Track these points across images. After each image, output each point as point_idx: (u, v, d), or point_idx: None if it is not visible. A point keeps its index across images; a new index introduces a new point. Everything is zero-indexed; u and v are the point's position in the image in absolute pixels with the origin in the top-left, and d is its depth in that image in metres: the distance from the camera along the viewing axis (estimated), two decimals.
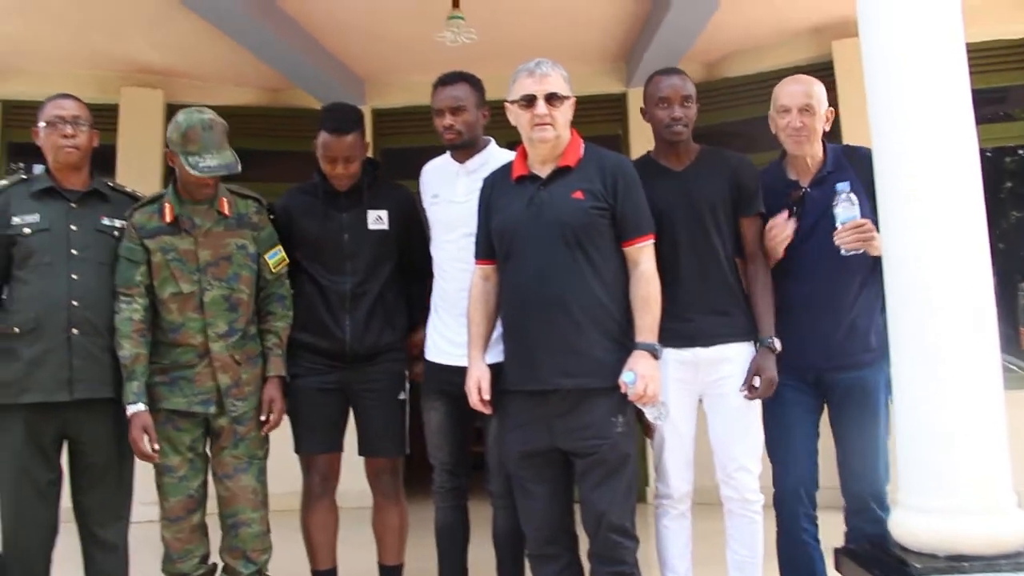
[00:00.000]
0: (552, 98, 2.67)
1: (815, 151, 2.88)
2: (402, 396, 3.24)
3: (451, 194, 3.08)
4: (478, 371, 2.74)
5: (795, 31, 5.35)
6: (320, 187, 3.20)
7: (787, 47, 5.46)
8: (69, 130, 2.94)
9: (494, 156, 3.10)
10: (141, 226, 2.98)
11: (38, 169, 3.17)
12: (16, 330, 2.85)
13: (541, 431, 2.62)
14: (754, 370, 2.74)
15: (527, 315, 2.64)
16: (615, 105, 5.92)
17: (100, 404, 2.90)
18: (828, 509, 2.94)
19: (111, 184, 3.12)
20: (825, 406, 2.90)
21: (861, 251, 2.69)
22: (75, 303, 2.87)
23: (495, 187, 2.81)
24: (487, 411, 2.74)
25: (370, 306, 3.15)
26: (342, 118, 3.13)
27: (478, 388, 2.71)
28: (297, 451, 3.21)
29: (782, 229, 2.83)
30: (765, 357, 2.75)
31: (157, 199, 3.03)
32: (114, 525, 2.98)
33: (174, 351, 2.97)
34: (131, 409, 2.86)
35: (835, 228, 2.71)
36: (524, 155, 2.78)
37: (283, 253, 3.13)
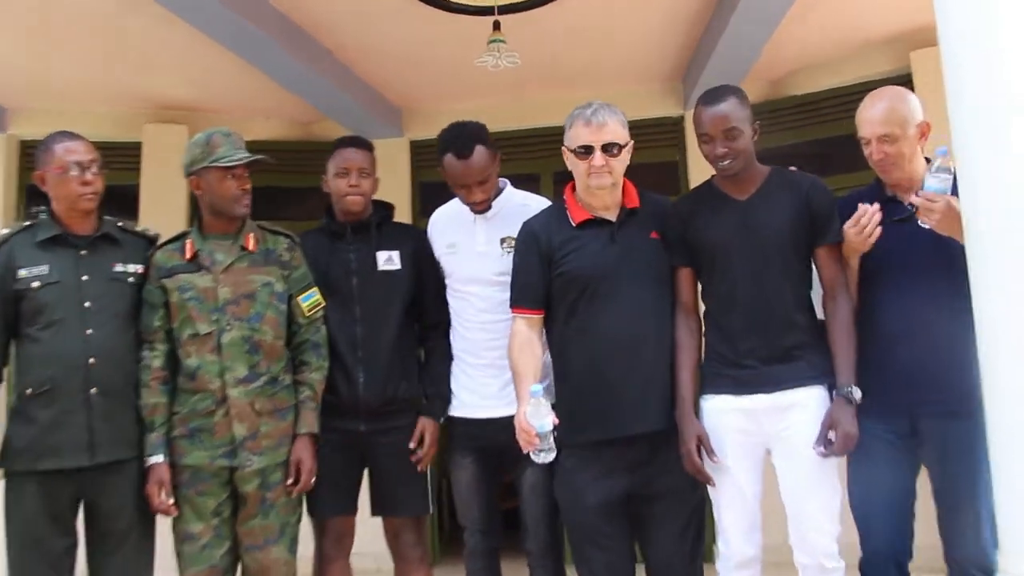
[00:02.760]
0: (609, 148, 2.82)
1: (912, 170, 2.77)
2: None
3: (471, 243, 3.18)
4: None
5: (868, 42, 5.30)
6: (327, 227, 3.27)
7: (859, 60, 5.41)
8: (89, 176, 2.96)
9: (511, 200, 3.23)
10: (160, 266, 3.03)
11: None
12: (29, 392, 2.86)
13: (622, 479, 2.78)
14: (829, 423, 2.65)
15: (619, 359, 2.79)
16: (671, 129, 5.92)
17: (122, 466, 2.91)
18: (922, 572, 2.85)
19: (120, 225, 3.14)
20: (922, 456, 2.76)
21: (931, 228, 2.57)
22: (92, 360, 2.88)
23: (551, 233, 2.91)
24: (531, 436, 2.70)
25: (385, 354, 3.16)
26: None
27: (532, 430, 2.69)
28: (310, 514, 3.21)
29: (871, 216, 2.69)
30: (842, 409, 2.64)
31: (180, 237, 3.10)
32: None
33: (192, 398, 2.98)
34: (149, 461, 2.90)
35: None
36: (574, 198, 2.93)
37: (319, 296, 3.14)
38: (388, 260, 3.23)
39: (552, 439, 2.70)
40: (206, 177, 3.03)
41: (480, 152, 3.11)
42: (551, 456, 2.72)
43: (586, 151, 2.83)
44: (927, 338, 2.66)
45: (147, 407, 2.93)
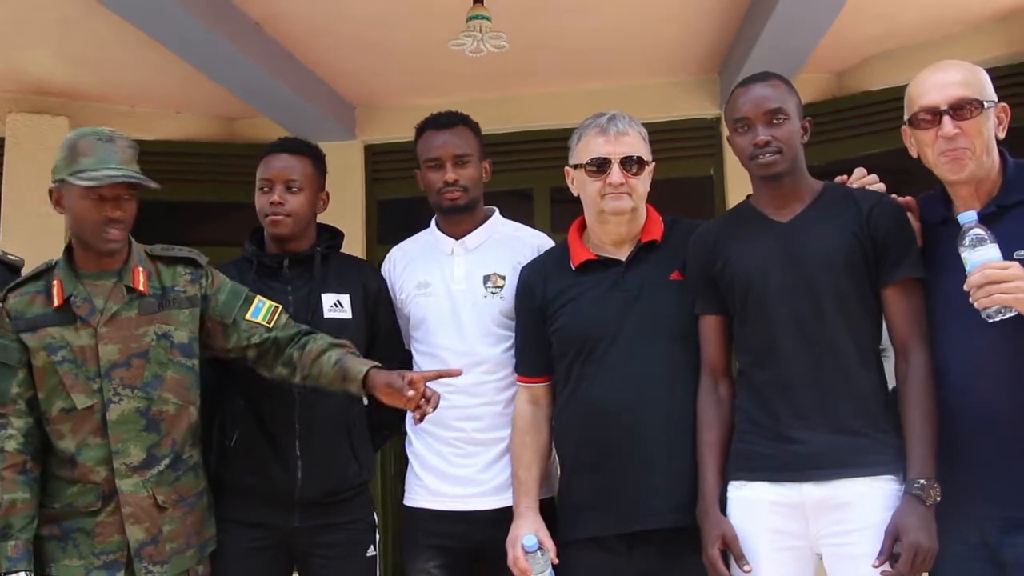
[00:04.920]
0: (629, 162, 2.87)
1: (986, 170, 2.64)
2: (371, 552, 3.22)
3: (446, 280, 3.22)
4: (530, 525, 2.91)
5: (968, 23, 5.32)
6: (255, 259, 3.25)
7: (958, 45, 5.38)
8: None
9: (498, 230, 3.30)
10: (18, 314, 2.92)
11: None
12: None
13: None
14: (892, 532, 2.56)
15: (617, 435, 2.83)
16: (705, 134, 5.96)
17: None
18: None
19: None
20: None
21: (1012, 313, 2.40)
22: None
23: (547, 280, 3.00)
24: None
25: (329, 429, 3.15)
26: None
27: (521, 545, 2.85)
28: None
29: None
30: (910, 511, 2.53)
31: (42, 274, 2.98)
32: None
33: (68, 490, 2.91)
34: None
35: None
36: (580, 235, 3.01)
37: (270, 301, 3.05)
38: (335, 306, 3.23)
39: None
40: (67, 194, 2.91)
41: (463, 130, 3.26)
42: None
43: (601, 165, 2.88)
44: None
45: (2, 506, 2.83)
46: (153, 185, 2.87)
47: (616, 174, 2.87)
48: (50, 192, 2.94)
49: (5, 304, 2.92)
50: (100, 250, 2.91)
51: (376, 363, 2.92)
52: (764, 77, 2.85)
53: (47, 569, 2.87)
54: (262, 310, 3.03)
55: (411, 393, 2.75)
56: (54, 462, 2.91)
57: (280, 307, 3.06)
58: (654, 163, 2.98)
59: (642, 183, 2.93)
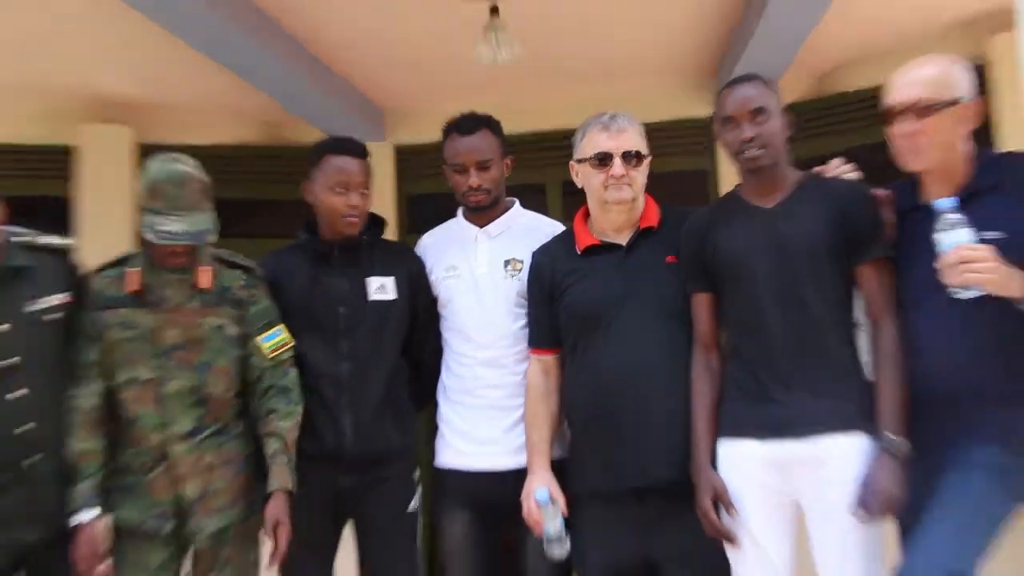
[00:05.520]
0: (629, 156, 2.92)
1: (951, 161, 2.63)
2: (413, 507, 3.27)
3: (471, 264, 3.24)
4: (542, 480, 2.97)
5: (936, 28, 5.27)
6: (309, 246, 3.27)
7: (925, 48, 5.30)
8: None
9: (518, 220, 3.33)
10: (98, 294, 3.02)
11: None
12: None
13: (629, 540, 2.86)
14: (866, 481, 2.57)
15: (619, 402, 2.87)
16: (699, 132, 5.91)
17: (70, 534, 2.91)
18: None
19: (25, 241, 3.00)
20: None
21: (979, 292, 2.41)
22: (17, 432, 2.86)
23: (554, 263, 3.05)
24: (540, 528, 2.92)
25: (375, 398, 3.18)
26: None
27: (534, 498, 2.93)
28: None
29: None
30: (882, 464, 2.56)
31: (120, 262, 3.08)
32: None
33: (128, 452, 3.01)
34: (77, 518, 2.88)
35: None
36: (585, 222, 3.04)
37: (285, 334, 3.14)
38: (381, 288, 3.25)
39: (565, 537, 2.89)
40: (143, 221, 2.98)
41: (485, 134, 3.26)
42: (564, 552, 2.90)
43: (604, 159, 2.92)
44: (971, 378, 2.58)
45: (75, 453, 2.92)
46: (203, 241, 2.96)
47: (618, 167, 2.91)
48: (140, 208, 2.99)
49: (91, 283, 3.03)
50: (166, 266, 3.01)
51: (282, 487, 2.99)
52: (748, 79, 2.87)
53: (113, 515, 2.96)
54: (273, 339, 3.12)
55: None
56: (118, 425, 3.00)
57: (291, 343, 3.13)
58: (651, 157, 2.99)
59: (641, 175, 2.98)
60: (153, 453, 3.00)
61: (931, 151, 2.59)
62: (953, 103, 2.57)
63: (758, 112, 2.77)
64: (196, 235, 2.92)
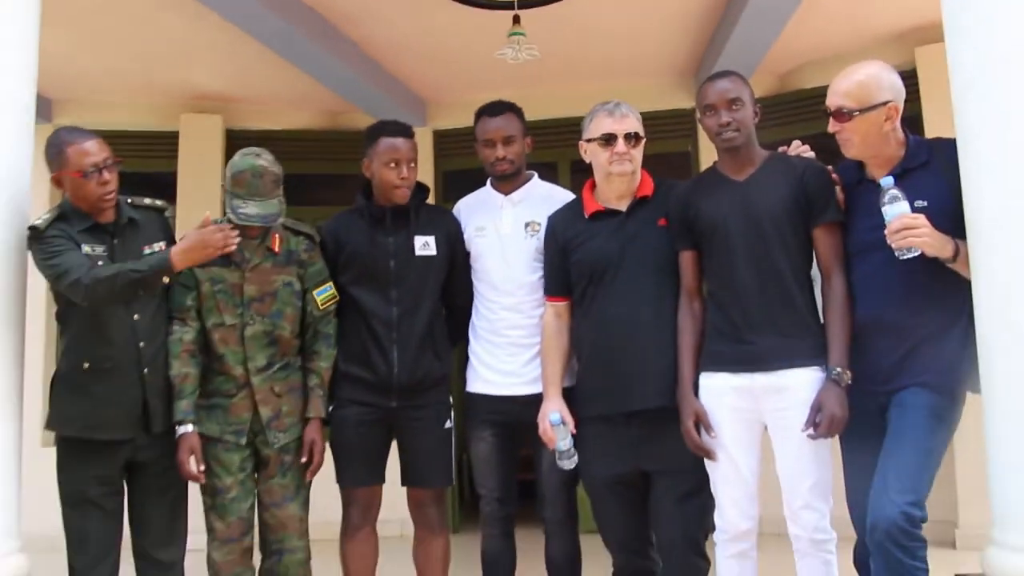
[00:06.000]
0: (630, 137, 2.91)
1: (880, 148, 2.62)
2: (448, 425, 3.27)
3: (497, 225, 3.22)
4: (555, 405, 2.97)
5: (874, 39, 5.24)
6: (366, 210, 3.26)
7: (866, 55, 5.23)
8: (106, 175, 2.88)
9: (536, 189, 3.29)
10: None
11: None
12: (86, 366, 2.89)
13: (627, 456, 2.87)
14: (816, 406, 2.58)
15: (619, 341, 2.87)
16: (684, 121, 5.89)
17: (170, 432, 2.99)
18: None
19: (131, 201, 3.06)
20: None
21: (918, 252, 2.41)
22: (142, 344, 2.94)
23: (566, 225, 3.03)
24: (553, 444, 2.93)
25: (418, 336, 3.18)
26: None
27: (548, 420, 2.93)
28: (339, 484, 3.24)
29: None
30: (829, 390, 2.56)
31: None
32: (171, 546, 3.04)
33: (217, 379, 3.08)
34: (180, 429, 2.96)
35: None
36: (592, 192, 3.01)
37: (333, 290, 3.19)
38: (425, 245, 3.23)
39: (573, 453, 2.91)
40: (227, 202, 3.05)
41: (510, 116, 3.24)
42: (573, 464, 2.92)
43: (610, 139, 2.89)
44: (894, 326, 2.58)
45: (178, 376, 2.98)
46: (273, 223, 3.04)
47: (621, 145, 2.89)
48: (223, 187, 3.09)
49: None
50: (244, 235, 3.04)
51: (316, 415, 3.12)
52: (726, 74, 2.85)
53: (199, 428, 3.03)
54: (325, 294, 3.17)
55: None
56: (208, 358, 3.07)
57: (337, 298, 3.19)
58: (646, 139, 2.97)
59: (639, 152, 2.94)
60: (237, 382, 3.06)
61: (855, 144, 2.62)
62: (873, 107, 2.57)
63: (734, 101, 2.75)
64: (266, 218, 3.01)
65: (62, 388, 2.94)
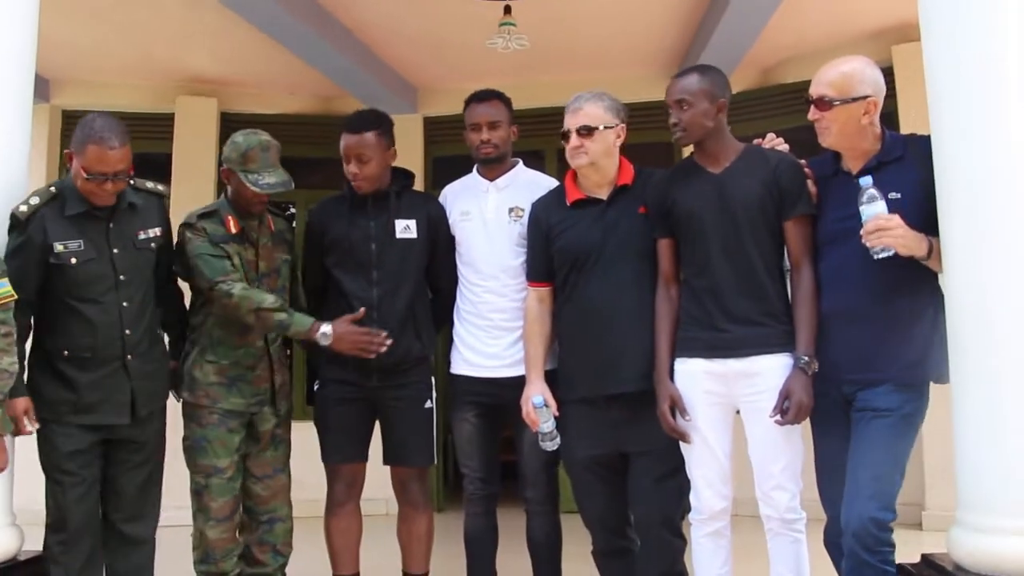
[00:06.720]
0: (582, 130, 2.86)
1: (857, 140, 2.61)
2: (429, 405, 3.28)
3: (482, 210, 3.21)
4: (537, 387, 2.96)
5: (853, 36, 5.26)
6: (348, 195, 3.27)
7: (844, 52, 5.24)
8: (109, 187, 2.81)
9: (521, 176, 3.27)
10: (211, 232, 3.06)
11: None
12: (66, 353, 2.84)
13: (606, 437, 2.87)
14: (784, 392, 2.58)
15: (600, 326, 2.86)
16: (666, 112, 5.89)
17: (153, 414, 2.99)
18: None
19: (133, 183, 2.99)
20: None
21: (892, 252, 2.41)
22: (128, 332, 2.88)
23: (549, 212, 3.01)
24: (536, 426, 2.94)
25: (398, 317, 3.18)
26: (359, 118, 3.25)
27: (531, 403, 2.93)
28: (324, 460, 3.26)
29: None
30: (796, 378, 2.57)
31: (215, 212, 3.11)
32: (143, 522, 3.01)
33: (237, 351, 3.09)
34: (323, 328, 3.01)
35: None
36: (573, 181, 2.99)
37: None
38: (406, 229, 3.23)
39: (555, 434, 2.92)
40: (233, 179, 3.08)
41: (496, 103, 3.23)
42: (555, 446, 2.93)
43: (565, 135, 2.90)
44: (862, 316, 2.58)
45: (275, 301, 3.01)
46: (290, 188, 3.10)
47: (573, 139, 2.87)
48: (220, 170, 3.13)
49: (200, 224, 3.08)
50: (252, 212, 3.12)
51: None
52: (684, 73, 2.84)
53: (216, 404, 3.06)
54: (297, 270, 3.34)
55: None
56: (224, 334, 3.10)
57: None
58: (620, 125, 2.93)
59: (596, 143, 2.88)
60: (258, 352, 3.12)
61: (833, 133, 2.61)
62: (853, 100, 2.56)
63: (680, 102, 2.75)
64: (286, 183, 3.06)
65: (41, 374, 2.86)
